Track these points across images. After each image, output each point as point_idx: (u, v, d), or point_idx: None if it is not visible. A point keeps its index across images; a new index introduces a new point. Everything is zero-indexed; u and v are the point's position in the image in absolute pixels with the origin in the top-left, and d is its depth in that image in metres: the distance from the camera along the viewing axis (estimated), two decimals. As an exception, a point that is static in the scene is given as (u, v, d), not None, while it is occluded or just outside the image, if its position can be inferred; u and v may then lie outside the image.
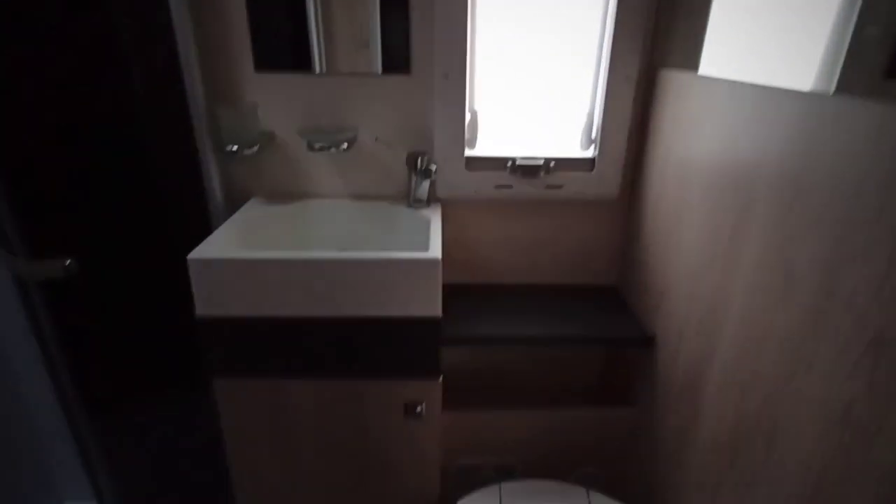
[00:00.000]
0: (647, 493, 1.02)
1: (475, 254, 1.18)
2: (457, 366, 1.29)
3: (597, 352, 1.29)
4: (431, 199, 1.09)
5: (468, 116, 1.05)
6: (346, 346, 0.88)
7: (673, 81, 0.94)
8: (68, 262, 0.97)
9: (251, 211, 1.02)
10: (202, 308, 0.85)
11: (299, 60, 0.98)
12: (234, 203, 1.10)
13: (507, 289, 1.18)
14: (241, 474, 1.00)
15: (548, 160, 1.07)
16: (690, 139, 0.87)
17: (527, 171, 1.07)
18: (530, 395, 1.30)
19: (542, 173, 1.07)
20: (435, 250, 0.84)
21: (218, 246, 0.86)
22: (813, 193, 0.58)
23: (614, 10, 0.96)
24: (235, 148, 0.95)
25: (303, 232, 1.05)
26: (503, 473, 1.13)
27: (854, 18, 0.57)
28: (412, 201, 1.06)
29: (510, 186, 1.09)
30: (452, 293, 1.14)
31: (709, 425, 0.79)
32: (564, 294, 1.17)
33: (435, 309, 0.86)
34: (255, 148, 0.97)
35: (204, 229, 0.92)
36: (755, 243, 0.69)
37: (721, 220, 0.77)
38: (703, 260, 0.81)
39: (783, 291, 0.63)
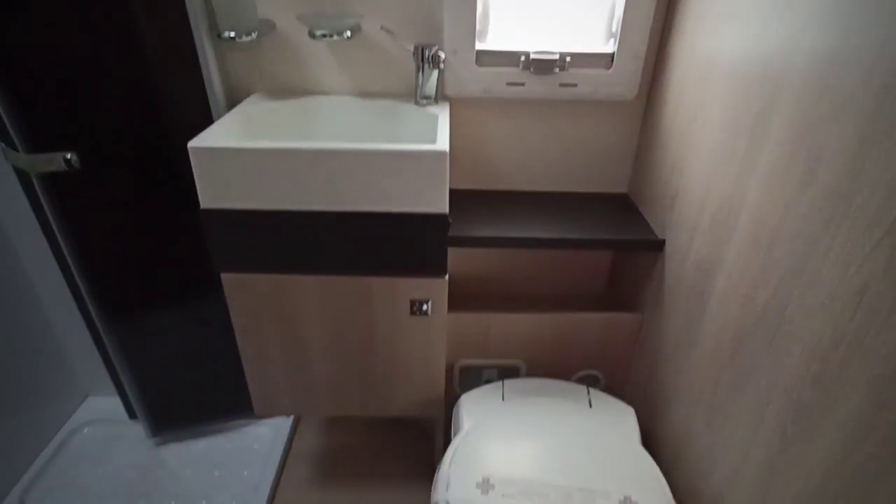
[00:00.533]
0: (646, 395, 1.05)
1: (483, 158, 1.15)
2: (462, 272, 1.30)
3: (604, 259, 1.29)
4: (439, 98, 1.04)
5: (480, 5, 0.97)
6: (352, 241, 0.87)
7: (705, -38, 0.86)
8: (69, 155, 0.96)
9: (252, 105, 0.99)
10: (206, 201, 0.84)
11: (298, -63, 0.90)
12: (234, 100, 1.06)
13: (516, 195, 1.16)
14: (253, 369, 1.03)
15: (563, 55, 1.01)
16: (718, 32, 0.81)
17: (540, 66, 1.01)
18: (535, 302, 1.31)
19: (556, 69, 1.02)
20: (443, 143, 0.81)
21: (219, 136, 0.84)
22: (844, 80, 0.54)
23: None
24: (232, 34, 0.90)
25: (305, 129, 1.02)
26: (506, 375, 1.16)
27: None
28: (419, 98, 1.02)
29: (522, 84, 1.03)
30: (459, 198, 1.12)
31: (713, 325, 0.80)
32: (574, 200, 1.15)
33: (442, 205, 0.84)
34: (254, 35, 0.92)
35: (205, 123, 0.89)
36: (778, 134, 0.65)
37: (743, 114, 0.73)
38: (721, 157, 0.78)
39: (804, 180, 0.60)
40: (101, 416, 1.42)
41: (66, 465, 1.29)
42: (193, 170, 0.81)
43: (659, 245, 0.98)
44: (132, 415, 1.41)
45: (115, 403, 1.42)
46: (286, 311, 0.95)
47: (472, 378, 1.16)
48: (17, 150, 0.96)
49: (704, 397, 0.82)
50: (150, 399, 1.30)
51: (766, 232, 0.67)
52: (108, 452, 1.33)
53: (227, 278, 0.92)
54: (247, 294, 0.93)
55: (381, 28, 0.98)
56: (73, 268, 1.10)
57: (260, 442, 1.37)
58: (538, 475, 0.85)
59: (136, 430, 1.37)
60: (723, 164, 0.78)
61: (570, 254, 1.28)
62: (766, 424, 0.66)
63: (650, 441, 1.00)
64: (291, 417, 1.43)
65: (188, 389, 1.32)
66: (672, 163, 0.96)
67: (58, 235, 1.06)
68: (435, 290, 0.93)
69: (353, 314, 0.95)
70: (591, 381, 1.16)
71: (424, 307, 0.94)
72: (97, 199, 1.01)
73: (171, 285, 1.16)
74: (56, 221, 1.03)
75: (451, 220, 0.87)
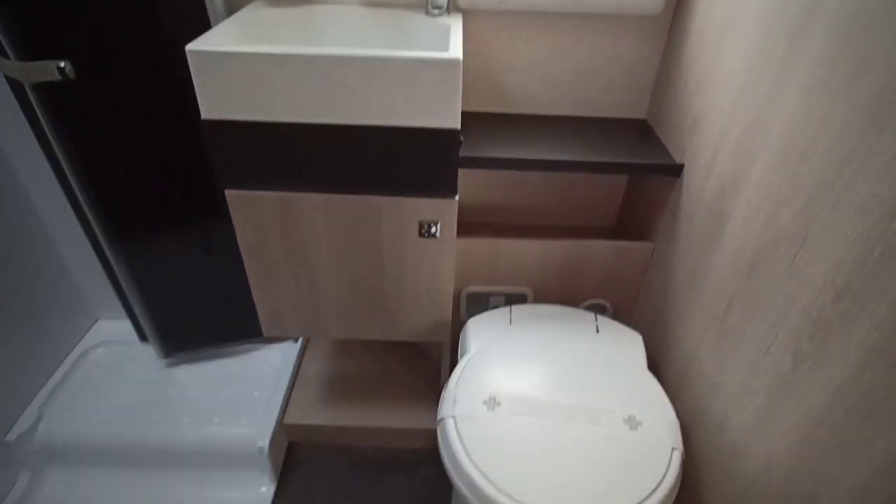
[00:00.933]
0: (654, 323, 1.05)
1: (496, 80, 1.09)
2: (471, 201, 1.27)
3: (616, 189, 1.25)
4: (451, 9, 0.98)
5: None
6: (360, 157, 0.84)
7: None
8: (63, 63, 0.91)
9: (253, 12, 0.93)
10: (207, 111, 0.80)
11: None
12: (233, 8, 0.99)
13: (529, 119, 1.11)
14: (259, 290, 1.03)
15: (587, -40, 0.93)
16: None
17: (562, -27, 0.94)
18: (545, 232, 1.29)
19: (578, -22, 0.94)
20: (456, 51, 0.76)
21: (219, 40, 0.79)
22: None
23: None
24: (230, -71, 0.83)
25: (309, 39, 0.96)
26: (514, 302, 1.16)
27: None
28: (430, 8, 0.96)
29: (541, -6, 0.96)
30: (470, 121, 1.08)
31: (731, 248, 0.78)
32: (590, 125, 1.10)
33: (454, 120, 0.80)
34: (253, -69, 0.85)
35: (203, 31, 0.83)
36: (819, 41, 0.60)
37: (780, 24, 0.67)
38: (753, 73, 0.73)
39: (845, 89, 0.56)
40: (113, 338, 1.45)
41: (81, 382, 1.32)
42: (193, 77, 0.77)
43: (677, 170, 0.95)
44: (143, 337, 1.43)
45: (125, 327, 1.44)
46: (292, 230, 0.93)
47: (479, 305, 1.16)
48: (9, 59, 0.92)
49: (715, 322, 0.81)
50: (160, 322, 1.32)
51: (797, 148, 0.63)
52: (122, 371, 1.36)
53: (231, 195, 0.90)
54: (252, 212, 0.91)
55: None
56: (74, 186, 1.08)
57: (269, 365, 1.39)
58: (544, 394, 0.86)
59: (148, 352, 1.40)
60: (754, 80, 0.73)
61: (582, 182, 1.25)
62: (779, 344, 0.65)
63: (656, 366, 1.00)
64: (299, 342, 1.45)
65: (197, 313, 1.33)
66: (696, 83, 0.91)
67: (56, 152, 1.03)
68: (444, 212, 0.91)
69: (361, 235, 0.93)
70: (598, 310, 1.16)
71: (433, 229, 0.93)
72: (94, 111, 0.97)
73: (176, 206, 1.14)
74: (53, 136, 1.00)
75: (462, 139, 0.84)
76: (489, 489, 0.73)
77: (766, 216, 0.69)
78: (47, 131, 1.01)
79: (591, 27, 1.03)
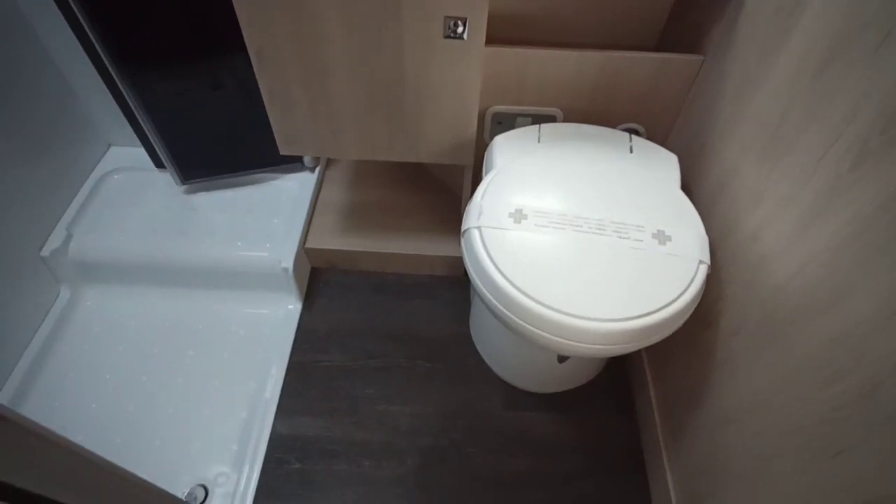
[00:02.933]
0: (692, 145, 0.98)
1: None
2: (502, 6, 1.13)
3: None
4: None
5: None
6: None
7: None
8: None
9: None
10: None
11: None
12: None
13: None
14: (273, 101, 0.96)
15: None
16: None
17: None
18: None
19: None
20: None
21: None
22: None
23: None
24: None
25: None
26: (542, 122, 1.09)
27: None
28: None
29: None
30: None
31: (799, 47, 0.68)
32: None
33: None
34: None
35: None
36: None
37: None
38: None
39: None
40: (128, 165, 1.43)
41: (103, 205, 1.33)
42: None
43: (747, -43, 0.81)
44: (158, 164, 1.40)
45: (138, 154, 1.41)
46: (305, 26, 0.84)
47: (505, 127, 1.10)
48: None
49: (765, 133, 0.75)
50: (175, 150, 1.28)
51: None
52: (142, 195, 1.36)
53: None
54: (259, 4, 0.81)
55: None
56: (77, 13, 0.98)
57: (287, 194, 1.38)
58: (571, 209, 0.83)
59: (165, 177, 1.38)
60: None
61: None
62: (842, 143, 0.60)
63: (690, 186, 0.97)
64: (317, 172, 1.42)
65: (211, 144, 1.29)
66: None
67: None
68: (474, 6, 0.80)
69: (380, 31, 0.84)
70: (633, 132, 1.09)
71: (460, 28, 0.83)
72: None
73: (185, 38, 1.07)
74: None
75: None
76: (513, 292, 0.74)
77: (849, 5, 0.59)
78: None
79: None
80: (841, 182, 0.60)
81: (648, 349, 1.13)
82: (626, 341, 0.73)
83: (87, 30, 1.03)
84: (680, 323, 0.77)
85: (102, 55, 1.08)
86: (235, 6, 0.82)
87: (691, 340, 0.92)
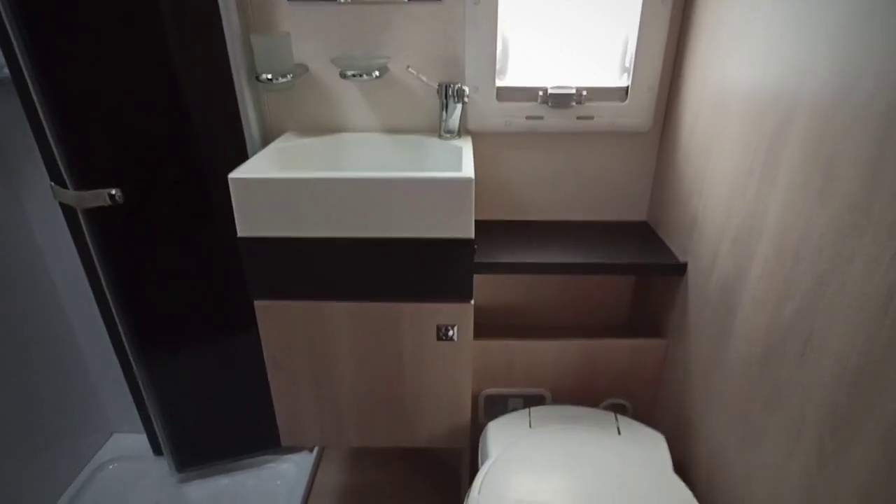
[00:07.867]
0: (676, 421, 1.03)
1: (504, 190, 1.19)
2: (487, 303, 1.31)
3: (626, 286, 1.29)
4: (462, 132, 1.09)
5: (499, 45, 1.04)
6: (381, 267, 0.90)
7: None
8: (114, 191, 1.01)
9: (286, 142, 1.04)
10: (243, 229, 0.88)
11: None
12: (268, 137, 1.12)
13: (537, 225, 1.19)
14: (281, 398, 1.04)
15: (580, 89, 1.06)
16: (728, 60, 0.85)
17: (558, 100, 1.06)
18: (560, 332, 1.31)
19: (573, 103, 1.06)
20: (468, 170, 0.85)
21: (256, 168, 0.89)
22: (856, 94, 0.57)
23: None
24: (270, 76, 0.97)
25: (336, 163, 1.07)
26: (532, 403, 1.15)
27: None
28: (443, 132, 1.07)
29: (541, 118, 1.08)
30: (482, 229, 1.15)
31: (741, 344, 0.80)
32: (595, 228, 1.17)
33: (468, 230, 0.87)
34: (289, 77, 0.98)
35: (240, 159, 0.94)
36: (794, 152, 0.68)
37: (758, 136, 0.76)
38: (739, 179, 0.81)
39: (824, 194, 0.62)
40: (127, 453, 1.43)
41: (91, 502, 1.29)
42: (233, 200, 0.85)
43: (681, 268, 0.99)
44: (157, 451, 1.41)
45: (139, 440, 1.43)
46: (316, 337, 0.97)
47: (497, 407, 1.16)
48: (67, 188, 1.02)
49: (737, 419, 0.81)
50: (177, 435, 1.31)
51: (790, 247, 0.68)
52: (134, 489, 1.33)
53: (259, 305, 0.95)
54: (278, 321, 0.96)
55: (408, 68, 1.04)
56: (110, 300, 1.14)
57: (283, 478, 1.36)
58: (569, 503, 0.83)
59: (161, 467, 1.37)
60: (741, 185, 0.80)
61: (592, 281, 1.29)
62: (803, 441, 0.65)
63: (683, 468, 0.97)
64: (314, 453, 1.42)
65: (214, 424, 1.33)
66: (690, 188, 0.98)
67: (98, 268, 1.10)
68: (461, 316, 0.95)
69: (382, 339, 0.97)
70: (618, 410, 1.15)
71: (451, 332, 0.96)
72: (137, 231, 1.06)
73: (201, 318, 1.19)
74: (98, 254, 1.08)
75: (476, 247, 0.90)
76: None
77: (770, 313, 0.72)
78: (91, 248, 1.09)
79: (588, 142, 1.13)
80: (815, 480, 0.63)
81: None
82: None
83: (114, 309, 1.14)
84: None
85: (123, 333, 1.17)
86: (259, 320, 0.96)
87: None
